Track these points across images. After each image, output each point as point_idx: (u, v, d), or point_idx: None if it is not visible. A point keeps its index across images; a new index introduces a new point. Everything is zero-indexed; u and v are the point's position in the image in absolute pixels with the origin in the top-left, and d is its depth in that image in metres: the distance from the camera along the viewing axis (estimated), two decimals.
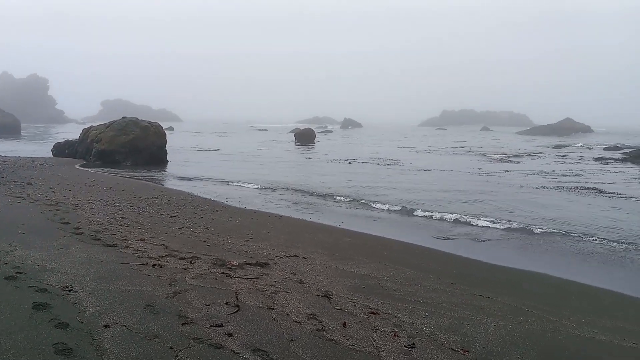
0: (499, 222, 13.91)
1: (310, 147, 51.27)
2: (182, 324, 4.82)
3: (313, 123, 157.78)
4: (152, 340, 4.45)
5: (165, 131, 32.39)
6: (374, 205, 16.54)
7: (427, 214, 15.12)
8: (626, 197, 19.26)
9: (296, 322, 5.18)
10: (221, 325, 4.84)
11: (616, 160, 37.11)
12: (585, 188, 21.39)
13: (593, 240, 12.18)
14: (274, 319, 5.18)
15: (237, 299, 5.75)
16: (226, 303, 5.55)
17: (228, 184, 20.94)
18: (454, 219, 14.36)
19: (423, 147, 53.68)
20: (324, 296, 6.37)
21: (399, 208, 16.06)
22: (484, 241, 11.98)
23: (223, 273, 6.96)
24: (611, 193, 20.01)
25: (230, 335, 4.62)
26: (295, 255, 8.95)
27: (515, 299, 7.43)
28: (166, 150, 30.90)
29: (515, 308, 6.90)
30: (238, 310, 5.36)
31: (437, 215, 14.79)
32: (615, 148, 50.18)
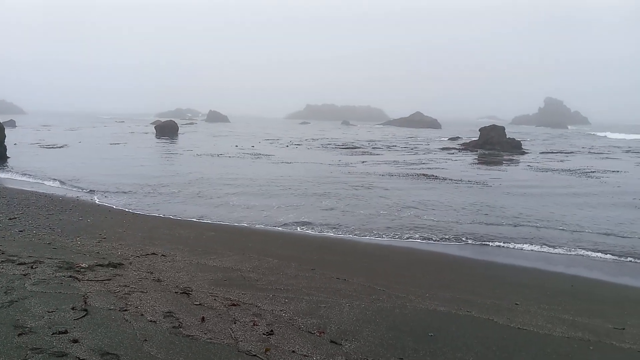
0: (351, 214, 14.71)
1: (173, 140, 49.24)
2: (19, 335, 4.36)
3: (176, 116, 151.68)
4: None
5: (4, 125, 28.80)
6: (235, 198, 16.47)
7: (283, 204, 15.46)
8: (456, 180, 21.60)
9: (151, 321, 4.97)
10: (65, 332, 4.47)
11: (457, 150, 41.30)
12: (425, 175, 23.51)
13: (433, 219, 13.46)
14: (127, 320, 4.92)
15: (86, 302, 5.35)
16: (72, 308, 5.13)
17: (75, 184, 19.30)
18: (319, 207, 14.89)
19: (288, 139, 54.53)
20: (183, 293, 6.20)
21: (264, 200, 16.19)
22: (340, 226, 12.59)
23: (70, 276, 6.42)
24: (448, 178, 22.29)
25: (75, 341, 4.29)
26: (154, 254, 8.58)
27: (369, 279, 7.94)
28: (5, 146, 27.55)
29: (369, 288, 7.37)
30: (86, 314, 5.00)
31: (295, 202, 15.20)
32: (457, 138, 55.83)
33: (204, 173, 23.11)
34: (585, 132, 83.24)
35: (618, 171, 27.63)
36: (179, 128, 62.39)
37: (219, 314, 5.43)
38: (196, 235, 10.99)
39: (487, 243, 11.40)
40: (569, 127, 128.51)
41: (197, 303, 5.78)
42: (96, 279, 6.43)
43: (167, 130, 57.35)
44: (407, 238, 11.67)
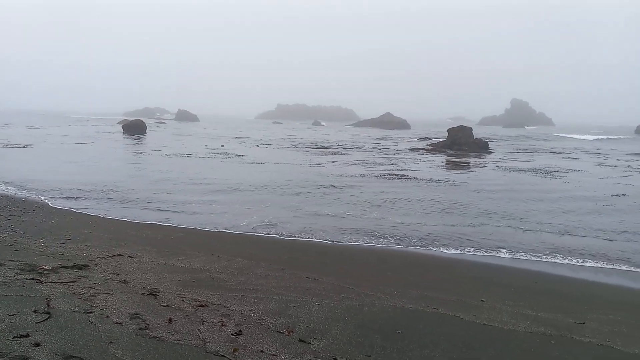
0: (322, 214, 14.76)
1: (140, 140, 48.37)
2: None
3: (144, 115, 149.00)
4: None
5: None
6: (204, 199, 16.31)
7: (253, 204, 15.40)
8: (424, 180, 21.92)
9: (117, 323, 4.89)
10: (27, 336, 4.35)
11: (426, 150, 41.86)
12: (395, 175, 23.77)
13: (402, 220, 13.63)
14: (92, 322, 4.82)
15: (49, 305, 5.22)
16: (34, 311, 5.00)
17: (36, 186, 18.77)
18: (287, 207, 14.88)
19: (258, 139, 54.22)
20: (150, 294, 6.12)
21: (235, 201, 16.09)
22: (311, 226, 12.61)
23: (33, 279, 6.25)
24: (416, 178, 22.58)
25: (37, 345, 4.18)
26: (120, 255, 8.43)
27: (339, 278, 7.99)
28: None
29: (339, 287, 7.42)
30: (49, 317, 4.87)
31: (261, 198, 15.16)
32: (425, 139, 56.57)
33: (172, 174, 22.80)
34: (553, 134, 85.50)
35: (579, 170, 28.50)
36: (147, 127, 61.38)
37: (187, 315, 5.38)
38: (164, 236, 10.85)
39: (456, 243, 11.59)
40: (533, 127, 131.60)
41: (165, 304, 5.71)
42: (60, 281, 6.28)
43: (134, 129, 56.37)
44: (378, 238, 11.77)
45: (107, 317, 5.06)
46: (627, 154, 43.30)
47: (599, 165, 32.86)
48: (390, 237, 11.84)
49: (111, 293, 5.94)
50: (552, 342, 5.72)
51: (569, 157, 38.74)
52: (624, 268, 10.03)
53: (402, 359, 4.86)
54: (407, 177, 22.92)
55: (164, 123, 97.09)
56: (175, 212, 14.01)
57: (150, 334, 4.72)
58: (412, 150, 42.16)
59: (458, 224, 13.36)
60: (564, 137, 77.38)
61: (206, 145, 42.21)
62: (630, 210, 16.22)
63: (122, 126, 60.37)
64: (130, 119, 73.12)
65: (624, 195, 19.18)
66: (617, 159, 38.73)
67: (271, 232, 11.92)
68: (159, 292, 6.24)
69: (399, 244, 11.26)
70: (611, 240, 12.12)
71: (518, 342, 5.61)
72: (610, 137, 78.33)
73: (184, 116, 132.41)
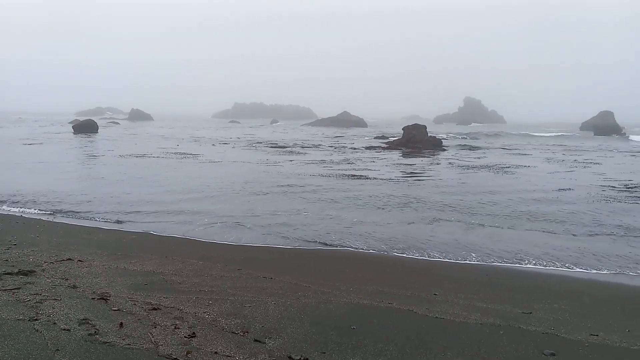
0: (279, 213, 14.76)
1: (92, 140, 46.85)
2: None
3: (96, 114, 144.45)
4: None
5: None
6: (158, 199, 16.00)
7: (210, 205, 15.23)
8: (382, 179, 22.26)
9: (64, 330, 4.74)
10: None
11: (382, 148, 42.45)
12: (352, 174, 24.02)
13: (359, 218, 13.79)
14: (37, 330, 4.65)
15: None
16: None
17: None
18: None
19: (215, 138, 53.52)
20: (101, 298, 5.95)
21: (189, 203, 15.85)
22: (268, 225, 12.58)
23: None
24: (373, 177, 22.90)
25: None
26: (69, 259, 8.15)
27: (295, 277, 8.01)
28: None
29: (295, 285, 7.44)
30: None
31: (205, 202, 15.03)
32: (382, 137, 57.34)
33: (124, 175, 22.23)
34: (504, 131, 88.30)
35: (528, 166, 29.56)
36: (99, 128, 59.58)
37: (139, 319, 5.27)
38: (116, 239, 10.58)
39: (412, 240, 11.82)
40: (484, 124, 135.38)
41: (116, 308, 5.58)
42: (3, 288, 6.02)
43: (86, 129, 54.65)
44: (336, 237, 11.85)
45: (54, 324, 4.89)
46: (573, 150, 45.28)
47: (547, 160, 34.21)
48: (349, 234, 11.95)
49: (59, 299, 5.75)
50: (501, 332, 5.93)
51: (518, 154, 40.13)
52: (567, 259, 10.48)
53: (357, 354, 4.93)
54: (364, 176, 23.18)
55: (117, 123, 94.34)
56: (128, 214, 13.67)
57: (100, 339, 4.60)
58: (368, 148, 42.64)
59: (414, 221, 13.62)
60: (514, 134, 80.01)
61: (160, 145, 41.35)
62: (575, 202, 16.94)
63: (72, 126, 58.37)
64: (82, 118, 70.78)
65: (569, 189, 20.03)
66: (563, 153, 40.48)
67: (227, 233, 11.81)
68: (109, 296, 6.08)
69: (357, 242, 11.38)
70: (554, 234, 12.64)
71: (469, 334, 5.78)
72: (557, 134, 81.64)
73: (137, 115, 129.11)
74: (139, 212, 14.00)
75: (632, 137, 71.86)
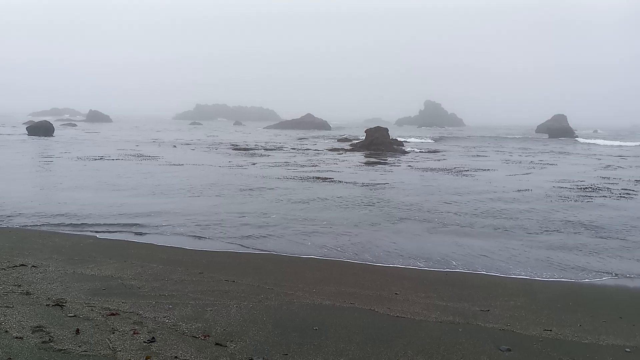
0: (242, 216, 14.67)
1: (48, 143, 45.29)
2: None
3: (51, 115, 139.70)
4: None
5: None
6: (117, 202, 15.63)
7: (171, 208, 15.01)
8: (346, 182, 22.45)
9: (17, 338, 4.59)
10: None
11: (346, 150, 42.74)
12: (317, 177, 24.11)
13: (324, 219, 13.86)
14: None
15: None
16: None
17: None
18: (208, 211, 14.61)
19: (176, 140, 52.62)
20: (56, 305, 5.79)
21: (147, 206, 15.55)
22: (230, 228, 12.47)
23: None
24: (339, 180, 23.05)
25: None
26: (23, 265, 7.89)
27: (258, 279, 7.99)
28: None
29: (258, 288, 7.42)
30: None
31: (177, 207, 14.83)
32: (345, 140, 57.72)
33: (82, 178, 21.61)
34: (465, 134, 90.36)
35: (488, 169, 30.34)
36: (55, 129, 57.66)
37: (96, 325, 5.15)
38: (72, 243, 10.27)
39: (376, 240, 11.95)
40: (444, 127, 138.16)
41: (72, 315, 5.43)
42: None
43: (41, 131, 52.73)
44: (299, 238, 11.86)
45: (6, 332, 4.74)
46: (529, 152, 46.76)
47: (506, 162, 35.20)
48: (313, 234, 11.98)
49: (11, 306, 5.56)
50: (460, 329, 6.08)
51: (477, 156, 41.14)
52: (522, 258, 10.81)
53: (319, 355, 4.96)
54: (329, 179, 23.28)
55: (74, 125, 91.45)
56: (85, 217, 13.29)
57: (55, 346, 4.47)
58: (332, 150, 42.84)
59: (379, 222, 13.76)
60: (473, 136, 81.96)
61: (119, 147, 40.38)
62: (534, 203, 17.49)
63: (26, 128, 56.24)
64: (37, 119, 68.33)
65: (528, 190, 20.66)
66: (520, 155, 41.76)
67: (189, 236, 11.64)
68: (65, 303, 5.92)
69: (319, 242, 11.42)
70: (508, 231, 13.04)
71: (428, 331, 5.91)
72: (514, 136, 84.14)
73: (95, 117, 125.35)
74: (96, 215, 13.62)
75: (583, 139, 74.83)
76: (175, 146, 44.15)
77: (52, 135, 53.10)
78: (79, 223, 12.61)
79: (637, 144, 66.73)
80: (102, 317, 5.42)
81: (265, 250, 10.66)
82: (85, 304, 5.94)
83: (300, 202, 16.66)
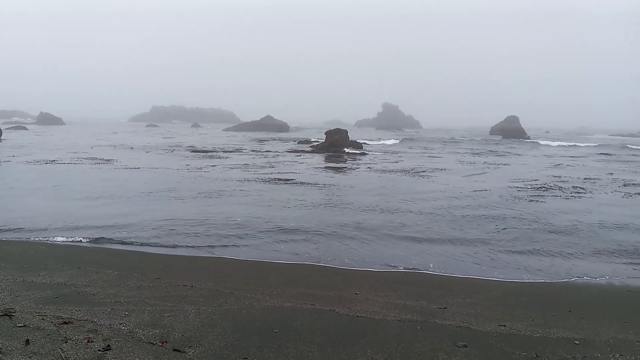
0: (203, 219, 14.49)
1: None
2: None
3: None
4: None
5: None
6: (70, 207, 15.12)
7: (128, 213, 14.65)
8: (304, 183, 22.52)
9: None
10: None
11: (305, 152, 42.81)
12: (278, 178, 24.06)
13: (284, 221, 13.84)
14: None
15: None
16: None
17: None
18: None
19: (132, 143, 51.34)
20: (4, 315, 5.55)
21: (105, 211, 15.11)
22: (189, 232, 12.28)
23: None
24: (295, 181, 23.06)
25: None
26: None
27: (217, 283, 7.90)
28: None
29: (217, 292, 7.33)
30: None
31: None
32: (305, 142, 57.79)
33: (33, 182, 20.79)
34: (423, 136, 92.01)
35: (444, 169, 31.02)
36: (3, 132, 55.18)
37: (48, 334, 4.97)
38: (22, 251, 9.87)
39: (336, 241, 12.01)
40: (403, 129, 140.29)
41: (21, 325, 5.22)
42: None
43: None
44: (259, 240, 11.79)
45: None
46: (483, 153, 48.11)
47: (460, 162, 36.08)
48: (275, 237, 11.94)
49: None
50: (418, 327, 6.19)
51: (433, 156, 42.00)
52: (479, 257, 11.12)
53: (279, 357, 4.95)
54: (291, 180, 23.25)
55: (24, 127, 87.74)
56: (37, 223, 12.79)
57: (3, 358, 4.29)
58: (291, 152, 42.82)
59: (338, 223, 13.83)
60: (430, 138, 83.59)
61: (71, 150, 39.06)
62: (490, 203, 18.00)
63: None
64: None
65: (483, 190, 21.23)
66: (473, 156, 42.93)
67: (147, 242, 11.38)
68: (14, 312, 5.68)
69: (281, 244, 11.39)
70: (465, 231, 13.38)
71: (388, 330, 5.99)
72: (470, 138, 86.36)
73: (46, 119, 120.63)
74: (49, 221, 13.13)
75: (534, 140, 77.68)
76: (132, 147, 43.07)
77: (0, 139, 50.81)
78: (30, 229, 12.13)
79: (587, 144, 69.87)
80: (54, 326, 5.24)
81: (225, 255, 10.54)
82: (36, 313, 5.72)
83: (261, 204, 16.58)
